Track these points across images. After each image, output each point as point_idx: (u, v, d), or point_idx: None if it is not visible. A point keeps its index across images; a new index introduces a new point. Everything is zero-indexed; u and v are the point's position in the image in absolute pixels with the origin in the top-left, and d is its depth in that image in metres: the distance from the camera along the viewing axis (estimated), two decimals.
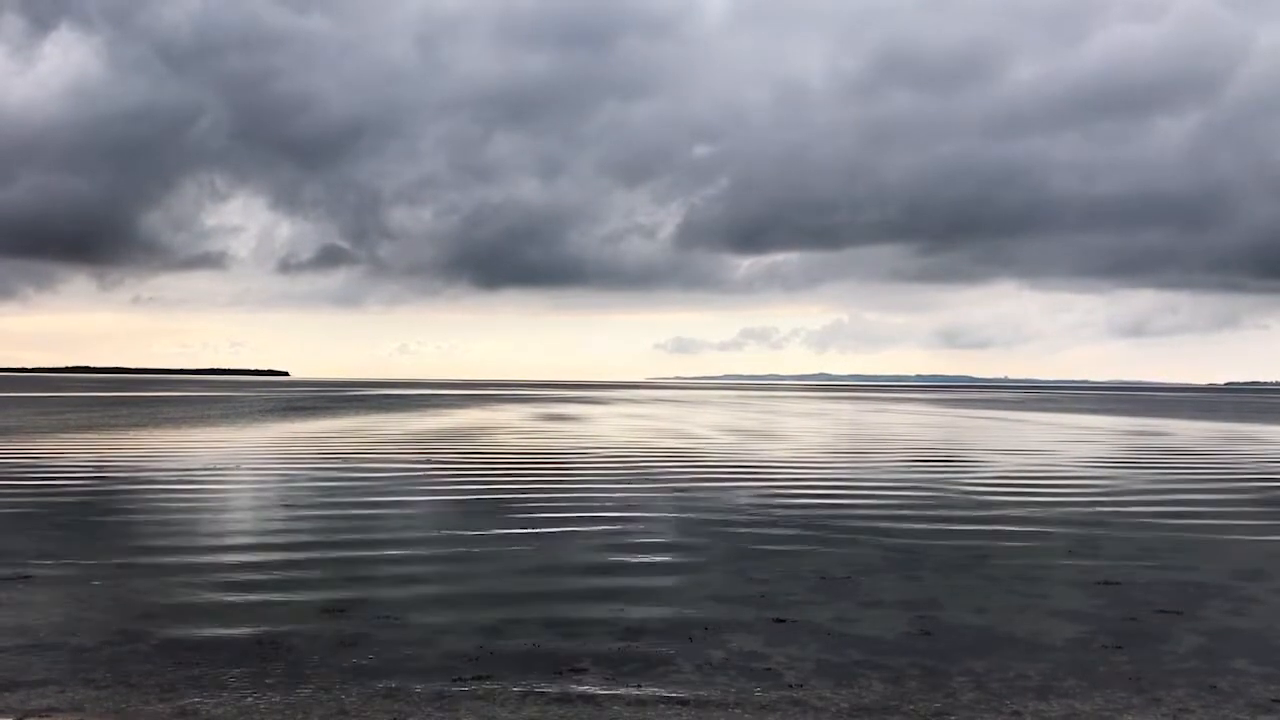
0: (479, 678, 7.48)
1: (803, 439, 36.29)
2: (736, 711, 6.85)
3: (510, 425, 43.41)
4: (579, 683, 7.39)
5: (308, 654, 8.05)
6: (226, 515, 15.95)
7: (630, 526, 14.75)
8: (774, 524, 15.08)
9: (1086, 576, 11.41)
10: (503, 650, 8.21)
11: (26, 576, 10.94)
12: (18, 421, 43.79)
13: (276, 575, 11.14)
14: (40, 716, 6.66)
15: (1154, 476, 23.32)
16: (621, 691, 7.21)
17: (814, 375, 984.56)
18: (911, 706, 6.97)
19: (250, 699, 6.99)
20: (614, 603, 9.89)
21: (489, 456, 27.17)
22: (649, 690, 7.24)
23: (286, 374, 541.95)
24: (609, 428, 42.33)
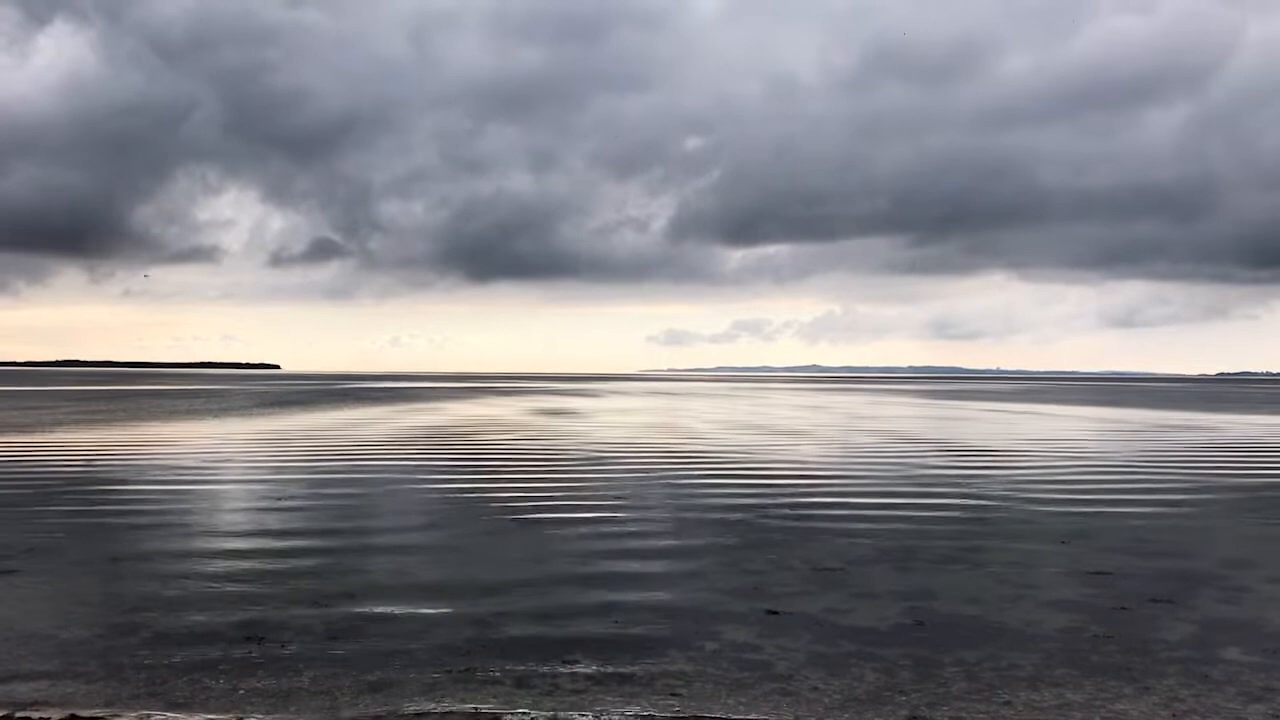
0: (471, 669, 7.47)
1: (794, 432, 36.32)
2: (729, 702, 6.84)
3: (503, 420, 43.37)
4: (571, 673, 7.38)
5: (299, 646, 8.03)
6: (218, 508, 15.89)
7: (623, 519, 14.74)
8: (767, 516, 15.08)
9: (1078, 566, 11.44)
10: (494, 641, 8.19)
11: (16, 571, 10.89)
12: (7, 416, 43.57)
13: (267, 568, 11.10)
14: (31, 709, 6.63)
15: (1152, 468, 23.39)
16: (613, 682, 7.21)
17: (805, 367, 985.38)
18: (904, 697, 6.97)
19: (241, 691, 6.97)
20: (606, 594, 9.88)
21: (482, 451, 27.14)
22: (641, 681, 7.24)
23: (278, 367, 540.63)
24: (602, 422, 42.31)
